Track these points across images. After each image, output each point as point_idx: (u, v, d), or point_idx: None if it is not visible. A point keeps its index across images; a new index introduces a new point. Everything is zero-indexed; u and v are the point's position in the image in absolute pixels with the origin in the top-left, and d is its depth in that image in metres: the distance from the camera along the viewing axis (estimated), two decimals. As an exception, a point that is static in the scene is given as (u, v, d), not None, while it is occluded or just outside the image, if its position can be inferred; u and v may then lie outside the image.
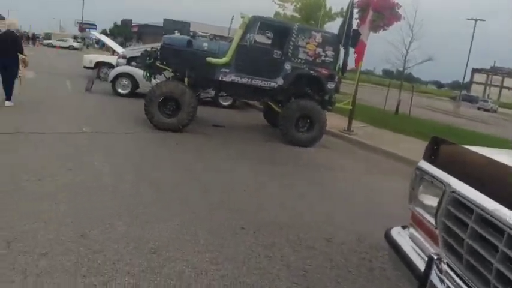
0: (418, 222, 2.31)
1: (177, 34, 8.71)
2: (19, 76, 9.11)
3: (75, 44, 53.54)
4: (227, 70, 8.13)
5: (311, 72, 8.55)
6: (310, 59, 8.53)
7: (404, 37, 19.82)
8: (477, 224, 1.74)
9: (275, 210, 4.65)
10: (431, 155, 2.20)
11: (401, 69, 21.41)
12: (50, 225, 3.43)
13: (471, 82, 76.86)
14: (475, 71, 70.26)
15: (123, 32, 72.30)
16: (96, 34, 24.04)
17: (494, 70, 73.44)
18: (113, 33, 76.94)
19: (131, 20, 75.06)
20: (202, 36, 8.57)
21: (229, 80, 8.21)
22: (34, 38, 58.05)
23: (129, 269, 2.94)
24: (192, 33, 8.26)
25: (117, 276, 2.83)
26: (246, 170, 6.26)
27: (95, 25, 68.29)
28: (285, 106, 8.67)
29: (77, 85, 13.21)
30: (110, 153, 6.10)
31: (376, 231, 3.72)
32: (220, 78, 8.18)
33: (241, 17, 8.08)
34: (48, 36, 68.69)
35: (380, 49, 22.02)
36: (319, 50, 8.55)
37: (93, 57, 16.34)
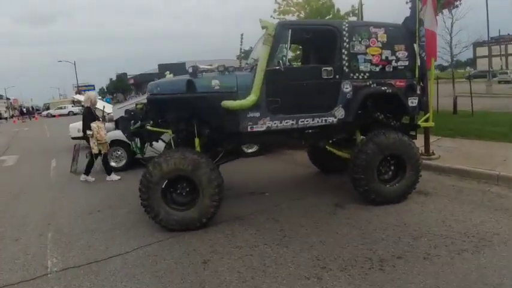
0: None
1: (168, 76, 5.77)
2: None
3: (74, 110, 51.04)
4: (257, 114, 5.06)
5: (383, 88, 5.49)
6: (377, 70, 5.48)
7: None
8: None
9: None
10: None
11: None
12: None
13: (475, 58, 73.00)
14: (476, 45, 65.84)
15: (120, 86, 70.55)
16: (75, 96, 21.19)
17: (497, 40, 68.49)
18: (110, 90, 75.53)
19: (126, 73, 73.60)
20: (207, 71, 5.56)
21: (264, 128, 5.15)
22: (32, 112, 56.54)
23: None
24: (191, 69, 5.23)
25: None
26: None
27: (93, 85, 66.65)
28: (357, 149, 5.49)
29: (63, 165, 10.40)
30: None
31: None
32: (249, 129, 5.10)
33: (263, 27, 5.05)
34: (46, 106, 67.50)
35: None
36: (387, 52, 5.52)
37: (80, 124, 13.50)
